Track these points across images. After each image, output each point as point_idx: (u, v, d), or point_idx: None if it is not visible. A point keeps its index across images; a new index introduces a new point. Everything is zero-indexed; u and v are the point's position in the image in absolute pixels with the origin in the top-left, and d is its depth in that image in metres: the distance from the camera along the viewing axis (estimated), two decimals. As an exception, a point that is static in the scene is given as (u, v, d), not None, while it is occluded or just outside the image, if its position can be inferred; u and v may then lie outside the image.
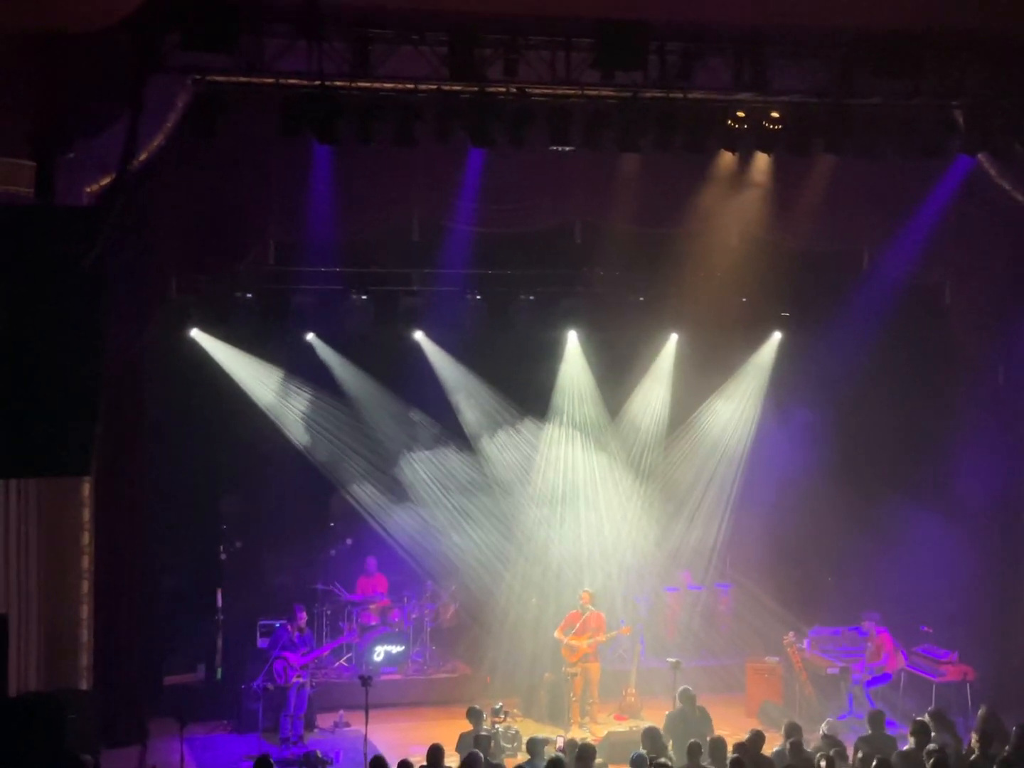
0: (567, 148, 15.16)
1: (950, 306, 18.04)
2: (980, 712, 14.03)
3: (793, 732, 13.25)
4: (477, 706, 15.22)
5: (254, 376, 19.14)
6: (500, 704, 16.35)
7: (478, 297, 18.51)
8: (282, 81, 14.08)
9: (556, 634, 18.05)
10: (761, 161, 16.70)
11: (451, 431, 20.09)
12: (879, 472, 19.20)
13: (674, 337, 20.20)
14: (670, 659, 16.48)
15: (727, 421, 20.50)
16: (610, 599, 19.41)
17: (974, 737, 13.25)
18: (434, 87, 14.30)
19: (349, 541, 20.43)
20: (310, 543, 20.31)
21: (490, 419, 20.11)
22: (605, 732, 16.75)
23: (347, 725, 17.39)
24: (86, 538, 15.31)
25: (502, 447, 20.17)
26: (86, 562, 15.32)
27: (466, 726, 14.85)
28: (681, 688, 15.02)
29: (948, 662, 17.32)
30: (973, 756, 12.86)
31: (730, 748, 12.85)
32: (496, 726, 15.83)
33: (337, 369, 19.69)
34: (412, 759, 12.64)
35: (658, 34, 13.98)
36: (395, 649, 19.23)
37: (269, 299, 17.83)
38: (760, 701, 17.87)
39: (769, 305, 19.50)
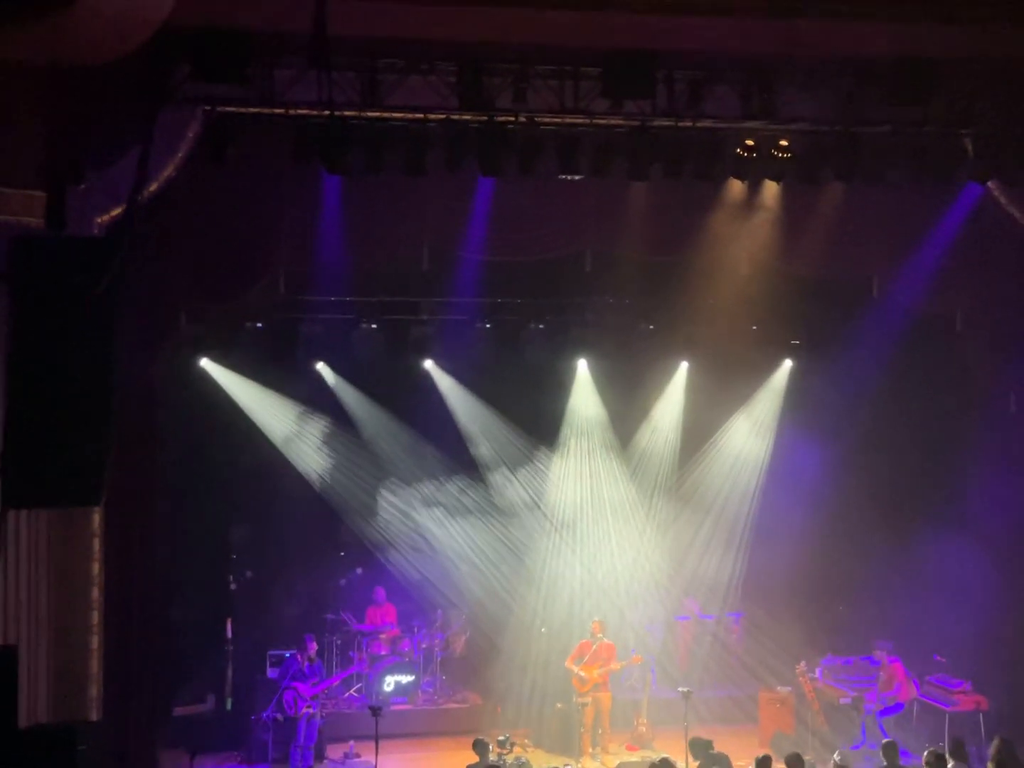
0: (576, 177, 15.20)
1: (961, 334, 17.97)
2: (994, 742, 13.90)
3: (794, 764, 13.13)
4: (483, 737, 15.12)
5: (264, 405, 19.17)
6: (507, 735, 16.26)
7: (488, 326, 18.56)
8: (292, 111, 14.15)
9: (567, 664, 18.00)
10: (770, 189, 16.68)
11: (461, 460, 20.08)
12: (891, 500, 19.15)
13: (684, 365, 20.19)
14: (681, 689, 16.38)
15: (739, 450, 20.47)
16: (621, 628, 19.36)
17: (990, 767, 13.16)
18: (443, 116, 14.38)
19: (359, 570, 20.39)
20: (320, 572, 20.28)
21: (500, 448, 20.10)
22: (616, 762, 16.70)
23: (357, 756, 17.31)
24: (96, 568, 15.22)
25: (512, 476, 20.16)
26: (96, 593, 15.22)
27: (473, 757, 14.77)
28: (691, 739, 14.68)
29: (961, 691, 17.22)
30: (989, 786, 12.79)
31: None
32: (502, 757, 15.73)
33: (347, 398, 19.71)
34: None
35: (667, 63, 14.08)
36: (405, 679, 19.17)
37: (279, 328, 17.90)
38: (772, 731, 17.79)
39: (779, 332, 19.52)
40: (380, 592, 19.81)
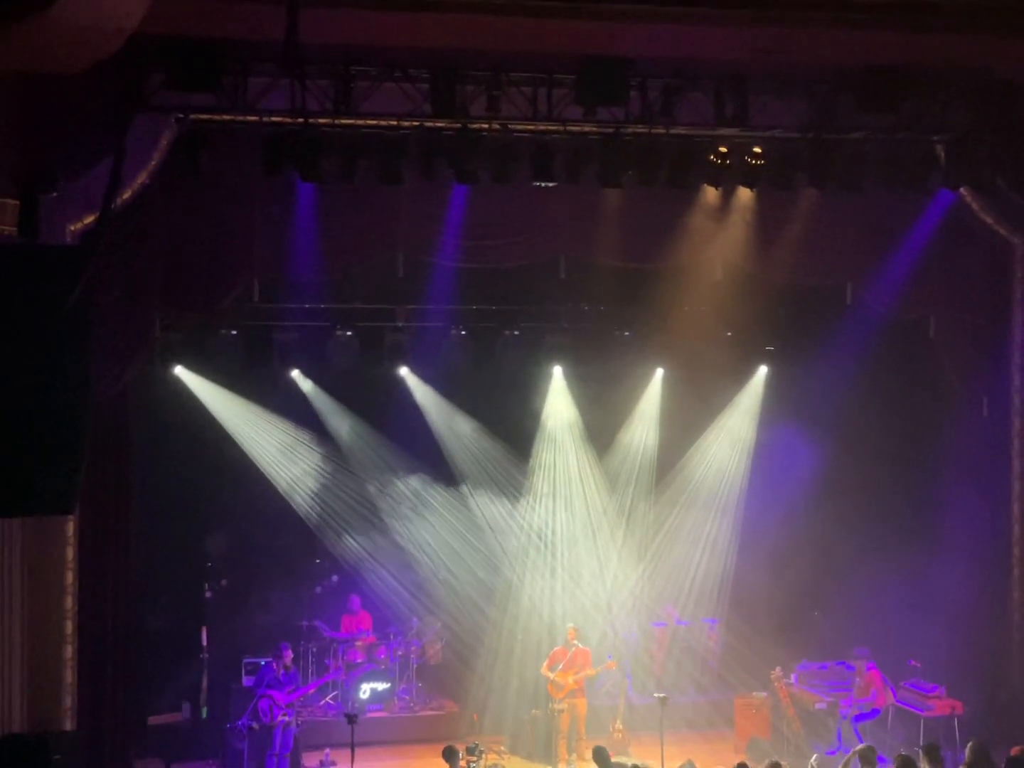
0: (550, 184, 15.21)
1: (935, 340, 18.06)
2: (969, 746, 13.92)
3: (776, 772, 13.16)
4: (454, 745, 15.04)
5: (238, 413, 19.09)
6: (475, 743, 16.14)
7: (463, 333, 18.49)
8: (265, 119, 14.13)
9: (542, 670, 17.98)
10: (744, 196, 16.73)
11: (436, 467, 20.03)
12: (864, 505, 19.16)
13: (660, 372, 20.20)
14: (657, 694, 16.39)
15: (717, 456, 20.49)
16: (597, 635, 19.37)
17: (963, 771, 13.21)
18: (417, 123, 14.36)
19: (335, 577, 20.30)
20: (296, 580, 20.16)
21: (475, 454, 20.08)
22: (592, 769, 16.67)
23: (333, 764, 17.28)
24: (70, 577, 15.20)
25: (487, 483, 20.12)
26: (70, 602, 15.21)
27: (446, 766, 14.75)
28: (595, 747, 14.65)
29: (936, 696, 17.25)
30: (963, 791, 12.82)
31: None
32: (471, 765, 15.62)
33: (321, 405, 19.67)
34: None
35: (640, 70, 14.08)
36: (381, 686, 19.13)
37: (253, 336, 17.79)
38: (748, 737, 17.81)
39: (754, 339, 19.54)
40: (355, 600, 19.75)
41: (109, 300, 14.30)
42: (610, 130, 14.73)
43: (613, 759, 17.00)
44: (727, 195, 16.70)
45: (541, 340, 18.79)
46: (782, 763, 13.54)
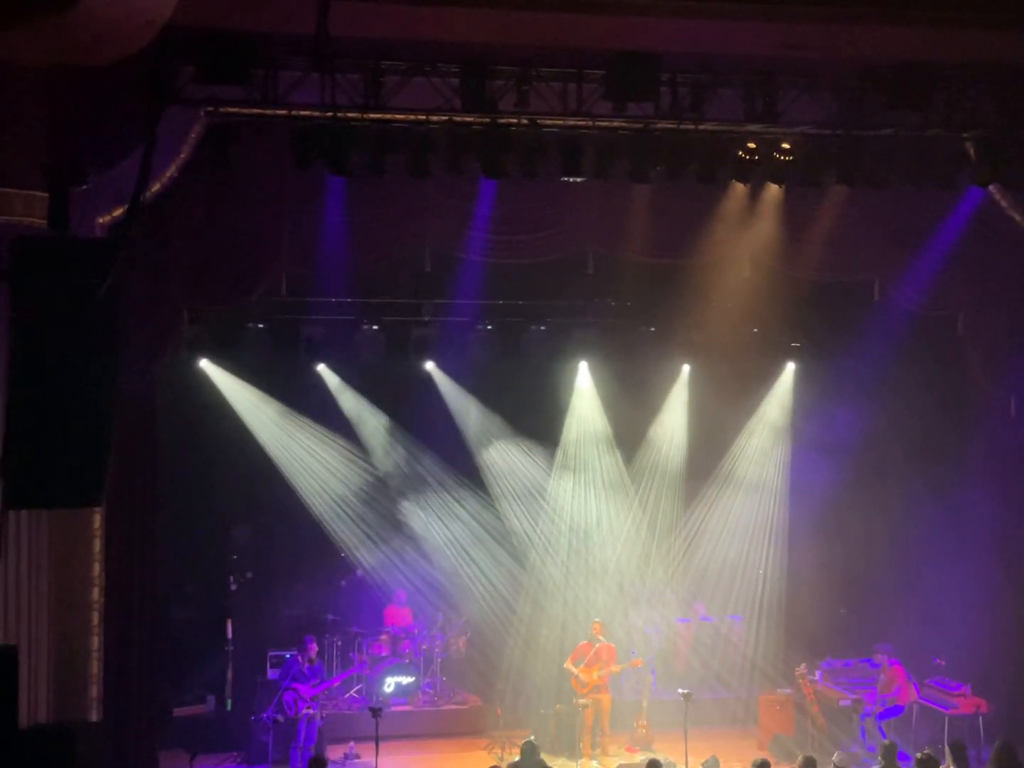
0: (579, 179, 15.20)
1: (963, 337, 17.95)
2: (996, 745, 13.88)
3: (809, 766, 13.14)
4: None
5: (262, 408, 19.13)
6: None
7: (490, 328, 18.53)
8: (295, 113, 14.13)
9: (567, 665, 17.99)
10: (773, 192, 16.67)
11: (461, 462, 20.05)
12: (891, 505, 19.09)
13: (686, 368, 20.18)
14: (681, 691, 16.33)
15: (744, 455, 20.46)
16: (622, 630, 19.36)
17: (988, 770, 13.18)
18: (446, 118, 14.35)
19: (359, 571, 20.35)
20: (321, 574, 20.21)
21: (501, 449, 20.09)
22: (616, 764, 16.69)
23: (357, 757, 17.32)
24: (96, 569, 15.25)
25: (513, 477, 20.14)
26: (96, 593, 15.25)
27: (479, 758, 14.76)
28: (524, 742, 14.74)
29: (961, 694, 17.19)
30: (989, 790, 12.78)
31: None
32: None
33: (347, 400, 19.69)
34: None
35: (670, 65, 14.04)
36: (406, 680, 19.16)
37: (280, 330, 17.85)
38: (772, 733, 17.81)
39: (781, 336, 19.51)
40: (402, 594, 19.84)
41: (137, 293, 14.31)
42: (639, 125, 14.68)
43: (637, 755, 17.13)
44: (756, 191, 16.62)
45: (568, 335, 18.81)
46: (815, 758, 13.51)
